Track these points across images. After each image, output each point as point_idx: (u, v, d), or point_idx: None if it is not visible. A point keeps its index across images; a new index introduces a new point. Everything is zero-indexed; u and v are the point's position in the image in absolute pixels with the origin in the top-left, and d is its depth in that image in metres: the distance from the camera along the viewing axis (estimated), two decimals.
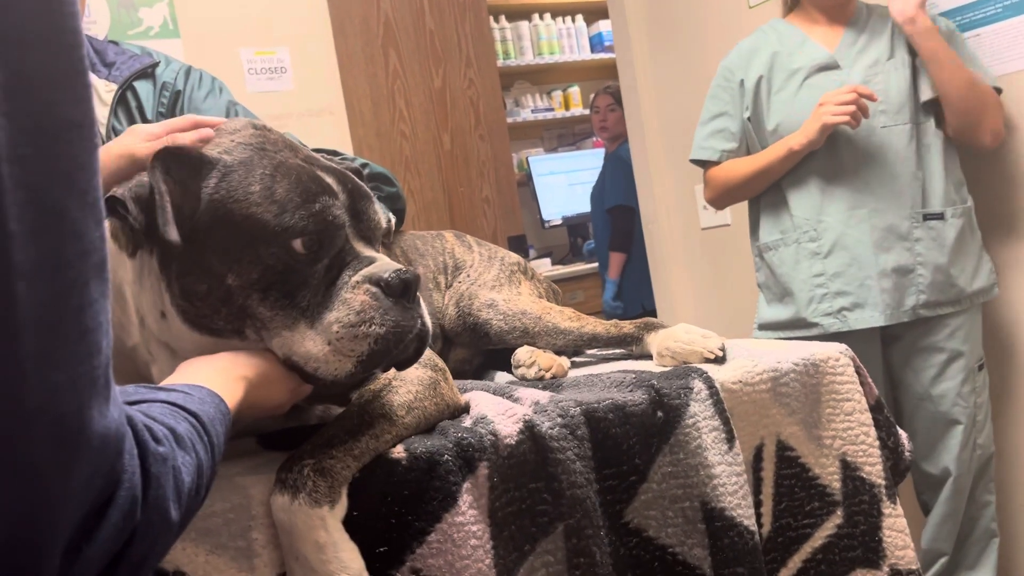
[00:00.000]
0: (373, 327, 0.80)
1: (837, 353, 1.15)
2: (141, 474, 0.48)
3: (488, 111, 2.85)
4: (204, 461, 0.57)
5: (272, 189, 0.81)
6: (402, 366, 0.87)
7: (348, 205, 0.85)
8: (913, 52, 1.83)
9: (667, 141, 2.92)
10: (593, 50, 4.95)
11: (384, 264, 0.83)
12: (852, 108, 1.72)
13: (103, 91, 1.46)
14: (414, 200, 2.79)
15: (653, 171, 2.92)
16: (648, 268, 2.99)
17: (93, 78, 1.47)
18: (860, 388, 1.15)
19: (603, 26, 4.80)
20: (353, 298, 0.81)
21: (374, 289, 0.81)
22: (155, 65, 1.51)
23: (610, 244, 3.72)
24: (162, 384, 0.67)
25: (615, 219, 3.71)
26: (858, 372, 1.17)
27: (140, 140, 0.90)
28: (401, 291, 0.81)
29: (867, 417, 1.14)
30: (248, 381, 0.76)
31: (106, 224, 0.48)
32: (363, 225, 0.87)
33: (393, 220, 0.92)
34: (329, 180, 0.85)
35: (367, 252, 0.85)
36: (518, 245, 2.95)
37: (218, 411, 0.64)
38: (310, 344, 0.80)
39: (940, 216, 1.80)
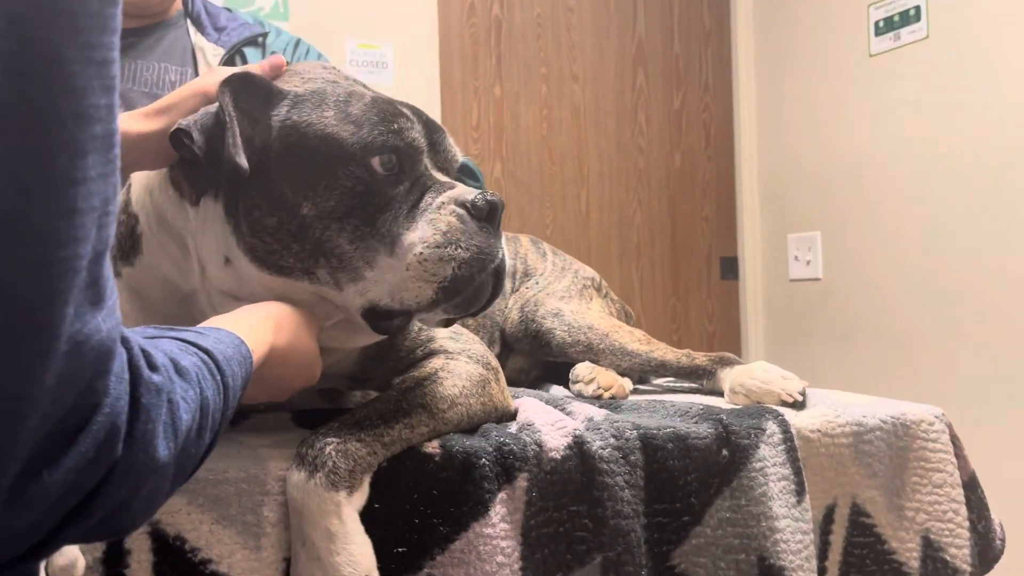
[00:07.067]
0: (459, 250, 0.74)
1: (932, 417, 1.03)
2: (129, 403, 0.41)
3: (718, 133, 2.91)
4: (212, 400, 0.50)
5: (347, 111, 0.78)
6: (477, 311, 0.80)
7: (425, 133, 0.82)
8: None
9: (762, 190, 2.83)
10: None
11: (467, 188, 0.79)
12: None
13: (210, 54, 1.47)
14: (641, 210, 2.81)
15: (747, 218, 2.84)
16: None
17: (202, 40, 1.49)
18: (954, 460, 1.03)
19: None
20: (439, 218, 0.76)
21: (460, 211, 0.76)
22: (265, 35, 1.52)
23: None
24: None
25: None
26: (954, 442, 1.04)
27: (218, 78, 0.87)
28: (488, 214, 0.76)
29: (958, 493, 1.02)
30: (278, 325, 0.69)
31: (120, 118, 0.41)
32: (440, 156, 0.83)
33: (461, 159, 0.89)
34: (404, 109, 0.82)
35: (446, 180, 0.81)
36: (729, 266, 2.88)
37: (237, 352, 0.57)
38: (390, 274, 0.75)
39: None
